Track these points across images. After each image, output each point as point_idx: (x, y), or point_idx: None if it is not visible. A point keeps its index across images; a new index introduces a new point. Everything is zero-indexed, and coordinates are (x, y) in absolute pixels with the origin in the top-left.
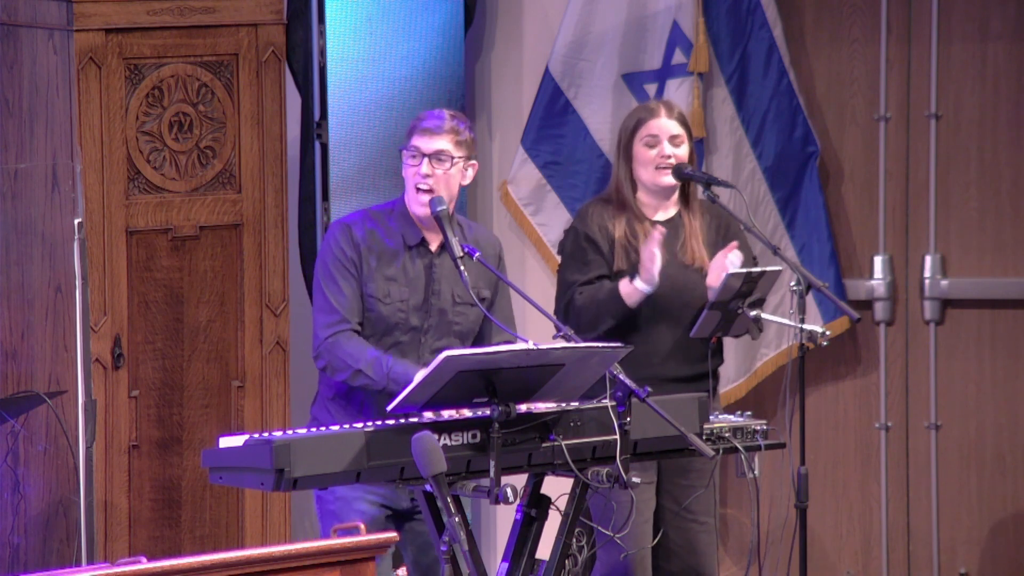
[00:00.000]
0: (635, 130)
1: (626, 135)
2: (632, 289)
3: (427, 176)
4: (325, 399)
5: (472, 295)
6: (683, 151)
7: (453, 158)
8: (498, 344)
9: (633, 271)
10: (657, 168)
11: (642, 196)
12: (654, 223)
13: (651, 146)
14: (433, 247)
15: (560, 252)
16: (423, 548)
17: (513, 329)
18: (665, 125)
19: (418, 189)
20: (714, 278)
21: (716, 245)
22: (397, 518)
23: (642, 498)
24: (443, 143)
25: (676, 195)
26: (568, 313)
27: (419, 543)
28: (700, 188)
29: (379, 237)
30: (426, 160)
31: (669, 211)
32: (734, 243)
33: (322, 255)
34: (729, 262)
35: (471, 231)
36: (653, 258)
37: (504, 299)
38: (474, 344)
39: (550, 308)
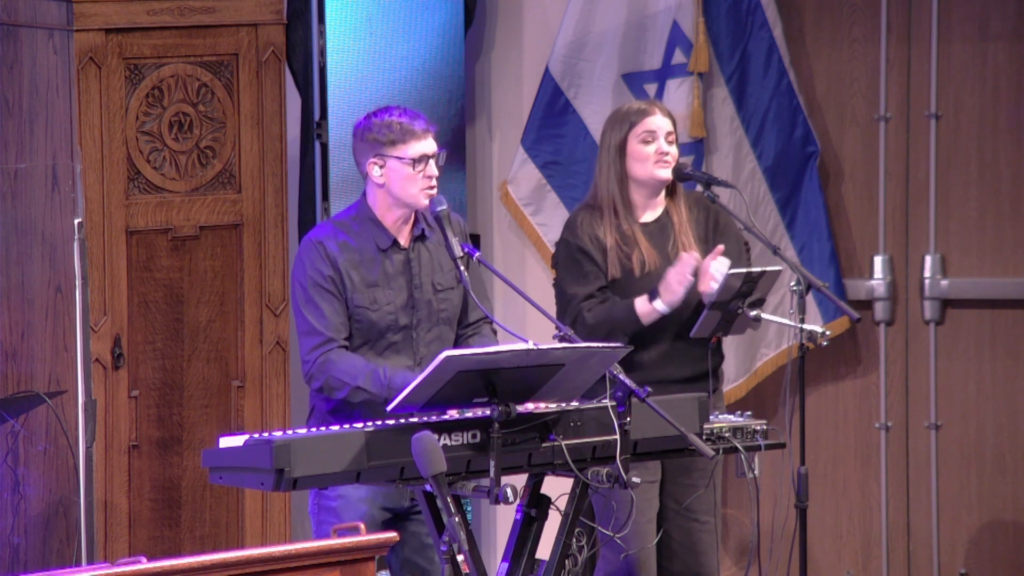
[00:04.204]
0: (631, 129)
1: (620, 135)
2: (650, 309)
3: (435, 176)
4: (324, 413)
5: (468, 285)
6: (675, 149)
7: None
8: (474, 321)
9: (628, 277)
10: (655, 164)
11: (633, 195)
12: (645, 225)
13: (648, 142)
14: (404, 243)
15: (554, 265)
16: (418, 549)
17: (488, 308)
18: (661, 123)
19: (425, 190)
20: (703, 284)
21: (707, 240)
22: (395, 519)
23: (646, 498)
24: (432, 141)
25: (663, 193)
26: (576, 328)
27: (414, 544)
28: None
29: (353, 247)
30: (431, 162)
31: (657, 210)
32: (719, 247)
33: (297, 276)
34: (715, 269)
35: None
36: (684, 283)
37: (474, 275)
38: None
39: (549, 308)
